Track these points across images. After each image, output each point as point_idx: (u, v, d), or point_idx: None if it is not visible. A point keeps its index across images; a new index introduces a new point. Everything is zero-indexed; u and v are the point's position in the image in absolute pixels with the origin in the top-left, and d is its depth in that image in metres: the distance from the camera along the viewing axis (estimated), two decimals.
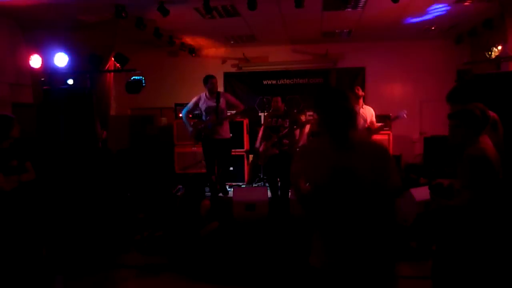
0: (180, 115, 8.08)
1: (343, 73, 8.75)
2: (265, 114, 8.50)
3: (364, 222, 1.90)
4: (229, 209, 5.29)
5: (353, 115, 1.95)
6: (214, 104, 5.82)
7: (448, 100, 3.82)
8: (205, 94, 5.96)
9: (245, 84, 9.13)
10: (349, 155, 1.91)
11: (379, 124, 6.32)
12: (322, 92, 2.03)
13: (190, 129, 5.90)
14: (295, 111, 8.25)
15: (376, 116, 7.13)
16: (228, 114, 6.09)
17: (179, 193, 5.81)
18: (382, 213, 1.93)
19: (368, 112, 6.23)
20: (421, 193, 4.41)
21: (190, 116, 6.20)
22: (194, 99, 6.02)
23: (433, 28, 7.49)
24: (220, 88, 9.07)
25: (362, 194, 1.88)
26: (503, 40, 6.18)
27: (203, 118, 5.98)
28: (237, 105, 6.06)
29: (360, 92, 6.17)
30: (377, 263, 1.93)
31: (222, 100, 5.88)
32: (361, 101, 6.20)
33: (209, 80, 5.86)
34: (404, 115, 6.33)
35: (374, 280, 1.93)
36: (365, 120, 6.17)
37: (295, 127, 5.89)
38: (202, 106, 5.93)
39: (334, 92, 2.03)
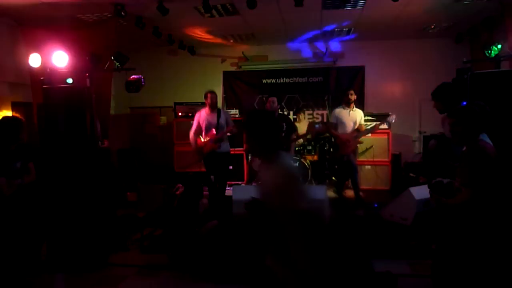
0: (180, 114, 8.12)
1: (342, 72, 8.75)
2: None
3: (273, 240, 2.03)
4: (229, 207, 5.29)
5: (273, 136, 2.08)
6: (215, 121, 5.82)
7: (433, 97, 3.89)
8: (205, 110, 5.94)
9: (244, 83, 9.13)
10: (266, 170, 2.09)
11: (367, 128, 6.46)
12: (250, 115, 2.21)
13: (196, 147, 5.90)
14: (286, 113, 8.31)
15: (375, 115, 7.13)
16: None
17: (177, 192, 5.81)
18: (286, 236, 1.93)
19: (358, 115, 6.34)
20: (421, 192, 4.40)
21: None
22: (195, 118, 6.01)
23: (432, 26, 7.49)
24: (219, 87, 9.09)
25: (268, 212, 2.00)
26: (503, 38, 6.18)
27: (203, 133, 5.92)
28: (232, 126, 5.98)
29: (353, 97, 6.27)
30: None
31: (223, 117, 5.90)
32: (352, 104, 6.29)
33: (208, 95, 5.87)
34: (393, 120, 6.50)
35: None
36: (355, 123, 6.28)
37: (294, 136, 5.90)
38: (203, 123, 5.90)
39: (259, 115, 2.20)
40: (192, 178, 6.78)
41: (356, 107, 6.43)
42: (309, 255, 1.91)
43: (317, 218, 2.02)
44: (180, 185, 6.04)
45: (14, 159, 3.87)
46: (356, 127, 6.28)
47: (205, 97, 5.91)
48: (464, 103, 3.74)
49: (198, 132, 5.95)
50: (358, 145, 6.46)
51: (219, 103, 9.00)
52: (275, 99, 5.84)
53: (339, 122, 6.33)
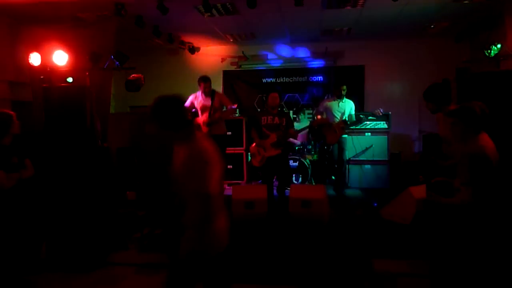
0: None
1: (342, 71, 8.76)
2: (258, 111, 8.51)
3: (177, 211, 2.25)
4: (228, 207, 5.30)
5: (181, 116, 2.24)
6: (209, 103, 5.90)
7: (424, 98, 3.96)
8: (201, 92, 6.02)
9: (244, 82, 9.14)
10: (177, 152, 2.28)
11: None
12: (155, 102, 2.25)
13: None
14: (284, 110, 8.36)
15: (374, 115, 7.13)
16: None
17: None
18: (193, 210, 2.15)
19: (347, 106, 6.54)
20: (420, 191, 4.41)
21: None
22: (190, 98, 6.12)
23: (432, 26, 7.50)
24: (220, 87, 9.09)
25: (175, 188, 2.23)
26: (502, 38, 6.19)
27: (200, 115, 6.05)
28: (229, 104, 6.16)
29: (345, 92, 6.54)
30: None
31: (216, 100, 5.98)
32: (343, 93, 6.52)
33: (201, 84, 5.99)
34: (380, 113, 6.67)
35: None
36: (343, 113, 6.49)
37: (291, 131, 5.91)
38: (198, 104, 6.02)
39: (163, 100, 2.26)
40: None
41: (356, 107, 6.50)
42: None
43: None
44: None
45: (10, 154, 3.88)
46: (344, 117, 6.48)
47: (198, 84, 6.03)
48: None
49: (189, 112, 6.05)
50: (343, 138, 6.60)
51: None
52: (276, 94, 5.82)
53: (327, 112, 6.48)
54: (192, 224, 2.19)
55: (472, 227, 2.76)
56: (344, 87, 6.54)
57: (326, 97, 6.58)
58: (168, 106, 2.22)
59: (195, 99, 6.12)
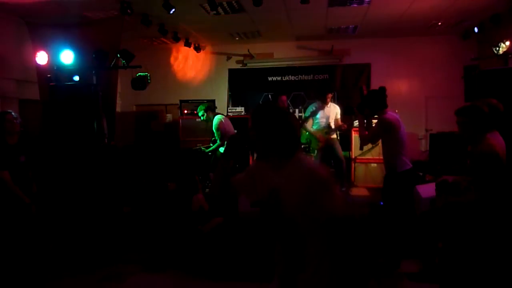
0: (185, 111, 8.15)
1: (348, 69, 8.72)
2: None
3: (295, 245, 1.79)
4: (234, 205, 5.29)
5: (292, 134, 1.77)
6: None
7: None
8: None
9: (250, 80, 9.12)
10: (282, 174, 1.77)
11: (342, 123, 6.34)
12: (262, 110, 1.84)
13: None
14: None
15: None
16: None
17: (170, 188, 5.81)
18: (317, 241, 1.74)
19: (332, 111, 6.25)
20: (427, 190, 4.38)
21: None
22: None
23: (440, 23, 7.43)
24: (225, 85, 9.09)
25: (286, 216, 1.75)
26: (511, 35, 6.12)
27: None
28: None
29: (329, 99, 6.16)
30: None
31: None
32: (328, 100, 6.17)
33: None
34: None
35: None
36: (327, 118, 6.21)
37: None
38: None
39: (274, 110, 1.82)
40: (185, 173, 6.81)
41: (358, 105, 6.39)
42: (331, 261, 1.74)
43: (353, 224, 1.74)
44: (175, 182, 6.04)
45: (17, 153, 3.91)
46: (329, 122, 6.25)
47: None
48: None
49: None
50: (333, 139, 6.44)
51: (225, 101, 9.03)
52: (284, 97, 5.85)
53: (313, 118, 6.34)
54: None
55: (482, 226, 2.73)
56: (331, 95, 6.33)
57: (313, 106, 6.38)
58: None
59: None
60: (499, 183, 2.67)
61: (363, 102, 4.23)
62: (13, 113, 3.99)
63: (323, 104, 6.20)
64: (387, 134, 3.86)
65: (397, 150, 3.87)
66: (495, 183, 2.67)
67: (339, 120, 6.31)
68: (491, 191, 2.67)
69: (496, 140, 2.76)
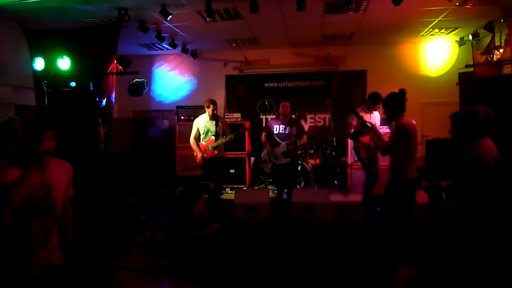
0: (182, 117, 8.15)
1: (344, 76, 8.76)
2: (269, 118, 8.49)
3: None
4: (231, 211, 5.30)
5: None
6: (213, 128, 5.99)
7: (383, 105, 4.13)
8: (204, 117, 6.10)
9: (246, 86, 9.15)
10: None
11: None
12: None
13: (200, 154, 5.99)
14: (296, 117, 8.27)
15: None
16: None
17: (174, 195, 5.82)
18: None
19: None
20: (422, 195, 4.40)
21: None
22: (194, 124, 6.16)
23: (435, 30, 7.50)
24: (222, 91, 9.12)
25: None
26: (505, 43, 6.19)
27: (201, 139, 6.09)
28: (228, 133, 6.12)
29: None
30: None
31: (220, 125, 6.06)
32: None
33: (211, 106, 5.99)
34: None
35: None
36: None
37: (299, 146, 5.98)
38: (202, 129, 6.07)
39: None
40: (187, 180, 6.81)
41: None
42: None
43: None
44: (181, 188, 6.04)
45: None
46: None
47: (208, 106, 6.02)
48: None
49: (197, 138, 6.12)
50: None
51: (222, 107, 9.04)
52: (287, 103, 5.99)
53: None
54: None
55: (467, 230, 2.74)
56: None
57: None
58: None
59: (199, 124, 6.12)
60: (482, 189, 2.68)
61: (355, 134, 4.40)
62: (19, 120, 4.04)
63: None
64: (402, 140, 3.82)
65: (407, 157, 3.86)
66: (478, 190, 2.67)
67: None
68: (474, 197, 2.68)
69: (485, 147, 2.76)
